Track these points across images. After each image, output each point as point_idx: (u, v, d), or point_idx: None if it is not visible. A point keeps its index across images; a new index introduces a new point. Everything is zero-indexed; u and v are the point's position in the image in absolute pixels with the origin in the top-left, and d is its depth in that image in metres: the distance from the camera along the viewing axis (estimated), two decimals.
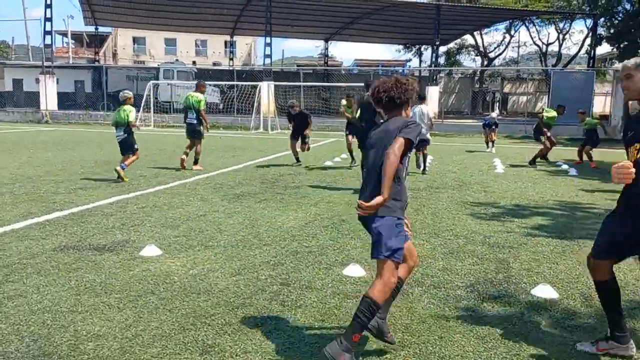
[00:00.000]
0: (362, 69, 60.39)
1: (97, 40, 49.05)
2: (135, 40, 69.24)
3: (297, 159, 12.50)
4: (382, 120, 3.44)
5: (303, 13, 38.65)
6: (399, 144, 3.02)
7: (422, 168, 11.50)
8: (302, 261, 5.15)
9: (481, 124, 17.87)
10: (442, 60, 57.61)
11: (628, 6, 35.37)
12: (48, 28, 29.44)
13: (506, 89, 53.62)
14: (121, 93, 9.94)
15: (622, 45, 33.37)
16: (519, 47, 61.35)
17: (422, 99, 11.69)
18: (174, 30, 51.85)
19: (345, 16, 40.24)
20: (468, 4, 41.13)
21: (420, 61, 56.38)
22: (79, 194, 8.32)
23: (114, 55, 67.42)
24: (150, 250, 5.28)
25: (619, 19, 35.64)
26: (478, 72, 52.77)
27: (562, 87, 23.54)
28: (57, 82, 32.08)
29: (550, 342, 3.51)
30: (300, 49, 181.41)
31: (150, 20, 42.50)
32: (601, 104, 36.42)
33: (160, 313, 3.84)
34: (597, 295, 4.17)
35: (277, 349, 3.33)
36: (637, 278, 4.88)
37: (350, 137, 11.90)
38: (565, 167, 13.04)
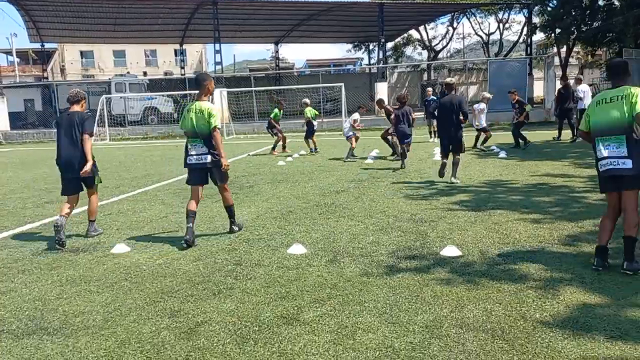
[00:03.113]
0: (314, 69, 61.68)
1: (43, 57, 48.57)
2: (82, 54, 68.51)
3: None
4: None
5: (250, 18, 39.29)
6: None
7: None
8: (253, 246, 6.02)
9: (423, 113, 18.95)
10: (389, 54, 59.42)
11: None
12: None
13: (455, 79, 55.59)
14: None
15: (555, 33, 35.37)
16: (463, 38, 63.72)
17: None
18: (122, 42, 51.78)
19: (292, 19, 41.07)
20: (409, 1, 42.52)
21: (370, 58, 57.94)
22: (47, 207, 8.96)
23: (62, 70, 66.56)
24: (120, 248, 6.06)
25: (552, 6, 37.65)
26: (425, 65, 54.53)
27: (499, 76, 25.04)
28: (6, 102, 31.91)
29: (446, 285, 4.48)
30: (252, 52, 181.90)
31: (97, 34, 42.41)
32: (542, 89, 38.47)
33: (133, 293, 4.66)
34: (487, 249, 5.21)
35: (229, 308, 4.19)
36: None
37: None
38: (496, 150, 14.26)
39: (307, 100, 16.20)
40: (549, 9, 37.43)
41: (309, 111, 15.53)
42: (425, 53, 59.23)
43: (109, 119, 28.60)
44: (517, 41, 51.96)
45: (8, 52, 61.34)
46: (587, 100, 15.02)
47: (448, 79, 10.36)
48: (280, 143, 16.29)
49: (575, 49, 48.98)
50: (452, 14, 49.02)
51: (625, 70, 4.82)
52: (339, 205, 8.08)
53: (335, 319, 3.92)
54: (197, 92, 6.33)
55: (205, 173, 6.35)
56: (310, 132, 15.57)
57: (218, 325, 3.90)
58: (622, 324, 3.64)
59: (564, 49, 41.05)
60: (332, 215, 7.41)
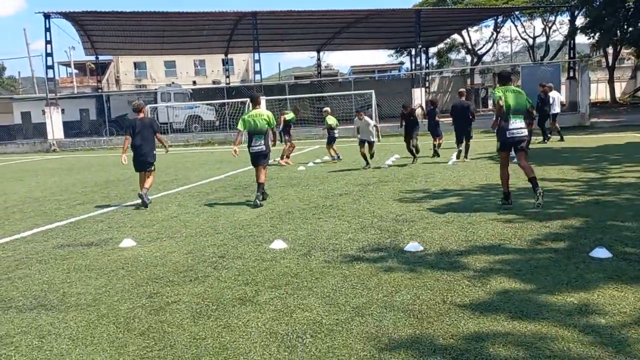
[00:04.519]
0: (357, 76, 62.51)
1: (98, 69, 51.18)
2: (136, 65, 71.41)
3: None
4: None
5: (291, 27, 40.34)
6: None
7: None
8: (242, 242, 6.68)
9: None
10: (434, 60, 59.44)
11: None
12: (49, 62, 31.35)
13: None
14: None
15: (596, 35, 34.68)
16: (511, 42, 62.99)
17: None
18: (171, 54, 53.96)
19: (332, 26, 41.87)
20: (445, 7, 42.61)
21: (412, 63, 58.01)
22: (78, 208, 9.94)
23: (117, 81, 69.75)
24: (127, 243, 6.85)
25: (595, 7, 36.92)
26: (468, 70, 54.23)
27: (531, 80, 24.92)
28: (63, 112, 34.01)
29: (393, 274, 5.00)
30: (302, 59, 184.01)
31: (147, 46, 44.54)
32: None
33: (125, 279, 5.40)
34: (448, 245, 5.69)
35: (199, 292, 4.86)
36: None
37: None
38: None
39: (328, 109, 16.72)
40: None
41: (329, 119, 16.01)
42: (469, 58, 58.88)
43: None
44: (563, 44, 50.95)
45: (67, 64, 65.03)
46: (557, 106, 17.27)
47: (461, 89, 14.86)
48: (287, 152, 16.40)
49: (627, 50, 47.74)
50: (495, 18, 48.71)
51: (511, 76, 8.08)
52: (335, 206, 8.66)
53: (283, 301, 4.52)
54: (251, 103, 9.70)
55: (259, 156, 9.39)
56: (331, 140, 16.00)
57: (184, 305, 4.57)
58: (527, 306, 4.08)
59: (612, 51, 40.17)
60: (324, 215, 8.00)
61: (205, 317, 4.26)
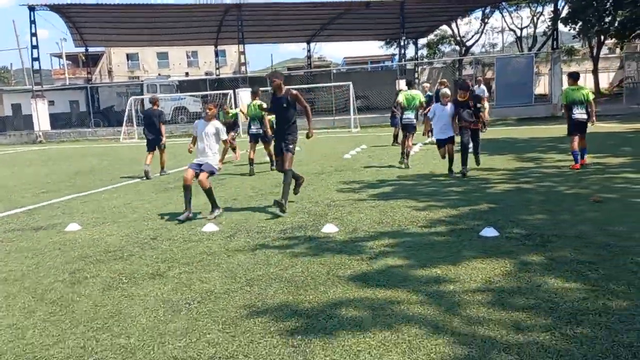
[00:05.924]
0: (349, 67, 62.98)
1: (89, 60, 51.40)
2: (128, 56, 71.56)
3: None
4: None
5: (279, 19, 40.60)
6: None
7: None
8: (179, 225, 7.17)
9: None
10: (424, 51, 59.89)
11: None
12: (35, 55, 31.68)
13: (489, 74, 55.49)
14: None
15: (577, 26, 35.04)
16: (502, 32, 63.30)
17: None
18: (162, 45, 54.19)
19: (320, 18, 42.14)
20: None
21: (400, 55, 58.33)
22: (40, 196, 10.41)
23: (110, 72, 69.95)
24: (72, 227, 7.34)
25: None
26: (456, 61, 54.64)
27: (505, 72, 25.40)
28: (53, 104, 34.37)
29: (296, 252, 5.50)
30: (299, 51, 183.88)
31: (137, 37, 44.76)
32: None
33: (57, 258, 5.90)
34: (361, 227, 6.18)
35: (117, 268, 5.36)
36: None
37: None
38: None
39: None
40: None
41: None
42: (458, 49, 59.26)
43: (139, 119, 30.43)
44: (549, 35, 51.29)
45: (59, 56, 65.35)
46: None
47: (443, 79, 16.47)
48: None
49: (610, 41, 48.05)
50: (483, 9, 49.05)
51: (412, 82, 12.96)
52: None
53: (189, 275, 5.02)
54: (252, 95, 12.35)
55: (258, 137, 12.01)
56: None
57: (100, 279, 5.07)
58: (396, 277, 4.58)
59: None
60: (265, 201, 8.50)
61: (113, 289, 4.76)
